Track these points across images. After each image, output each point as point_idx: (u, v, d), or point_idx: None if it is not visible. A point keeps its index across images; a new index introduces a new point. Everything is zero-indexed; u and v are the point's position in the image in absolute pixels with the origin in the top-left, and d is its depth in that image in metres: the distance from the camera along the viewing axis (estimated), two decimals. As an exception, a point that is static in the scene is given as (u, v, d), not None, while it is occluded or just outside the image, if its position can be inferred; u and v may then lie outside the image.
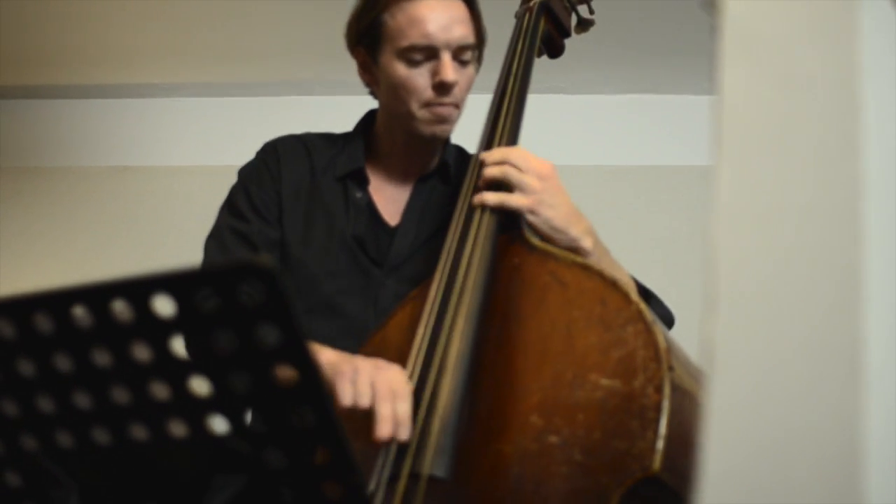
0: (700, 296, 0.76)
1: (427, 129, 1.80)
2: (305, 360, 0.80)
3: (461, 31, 1.76)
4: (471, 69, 1.82)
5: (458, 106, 1.80)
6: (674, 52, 3.92)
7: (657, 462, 1.24)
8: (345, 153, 1.91)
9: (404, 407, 1.37)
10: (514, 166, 1.60)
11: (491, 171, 1.61)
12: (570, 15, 2.02)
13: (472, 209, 1.60)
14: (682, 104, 4.19)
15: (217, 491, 0.85)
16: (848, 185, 0.69)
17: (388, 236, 1.84)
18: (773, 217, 0.72)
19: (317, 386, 0.81)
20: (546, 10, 1.92)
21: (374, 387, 1.38)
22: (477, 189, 1.63)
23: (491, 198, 1.59)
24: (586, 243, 1.61)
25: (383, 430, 1.34)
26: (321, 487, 0.87)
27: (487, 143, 1.71)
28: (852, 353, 0.65)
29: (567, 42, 2.02)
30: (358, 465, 0.85)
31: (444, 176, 1.91)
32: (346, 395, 1.39)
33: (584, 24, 2.05)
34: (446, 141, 1.93)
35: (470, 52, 1.79)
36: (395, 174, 1.91)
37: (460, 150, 1.98)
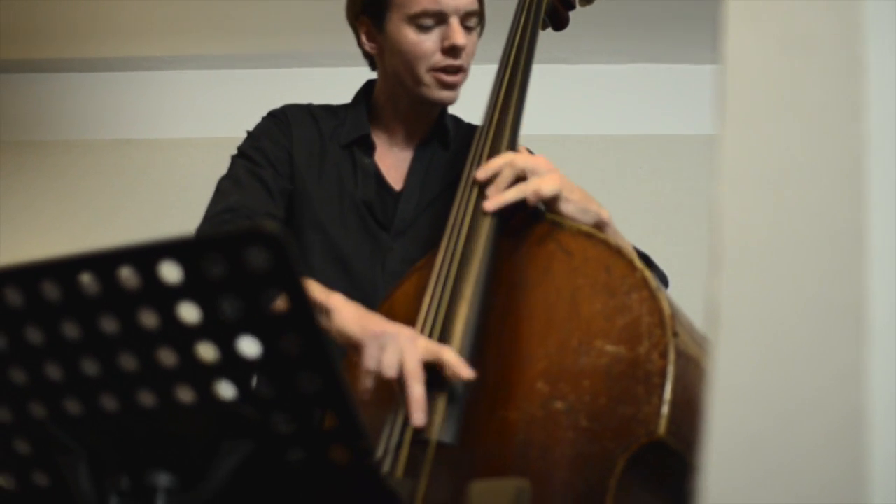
0: (703, 264, 0.76)
1: (434, 94, 1.83)
2: (312, 327, 0.81)
3: None
4: (475, 36, 1.85)
5: (464, 71, 1.83)
6: (676, 22, 3.90)
7: (662, 427, 1.25)
8: (348, 121, 1.95)
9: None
10: (531, 171, 1.57)
11: (511, 191, 1.57)
12: None
13: (476, 185, 1.60)
14: (685, 73, 4.18)
15: (225, 456, 0.86)
16: (851, 148, 0.70)
17: (394, 200, 1.88)
18: (777, 180, 0.73)
19: (323, 351, 0.81)
20: None
21: (404, 362, 1.36)
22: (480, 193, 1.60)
23: (532, 199, 1.55)
24: (605, 215, 1.61)
25: (419, 417, 1.33)
26: (328, 452, 0.88)
27: (491, 115, 1.72)
28: (856, 315, 0.65)
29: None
30: (365, 429, 0.86)
31: (443, 141, 1.95)
32: (372, 359, 1.38)
33: None
34: (443, 108, 1.95)
35: (474, 19, 1.82)
36: (397, 140, 1.94)
37: (456, 119, 2.02)
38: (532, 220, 1.54)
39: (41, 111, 4.41)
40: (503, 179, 1.57)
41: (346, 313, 1.47)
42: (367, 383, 1.38)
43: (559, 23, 2.01)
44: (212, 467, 0.87)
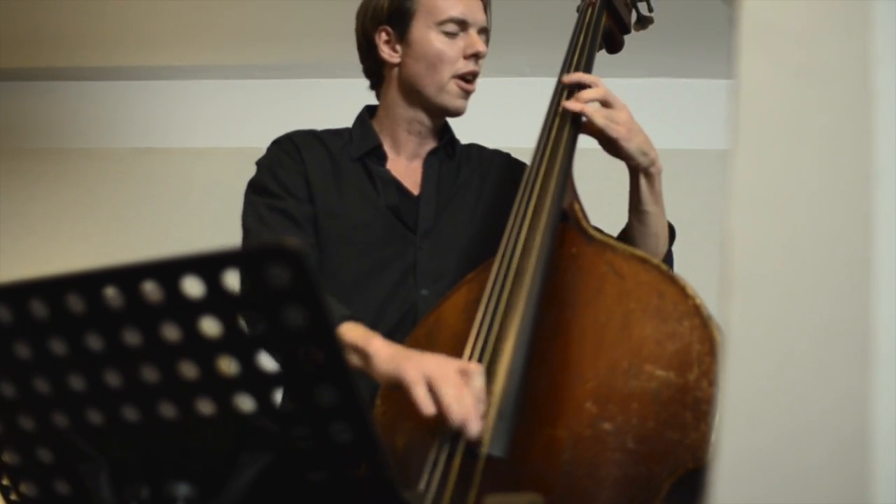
0: (715, 279, 0.77)
1: (452, 103, 1.93)
2: (331, 341, 0.82)
3: (483, 16, 1.95)
4: None
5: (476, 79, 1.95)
6: (691, 36, 3.90)
7: (709, 453, 1.27)
8: (356, 137, 2.00)
9: (467, 392, 1.36)
10: (606, 97, 1.79)
11: (594, 114, 1.76)
12: (630, 11, 2.06)
13: (541, 195, 1.63)
14: (700, 88, 4.18)
15: (244, 468, 0.87)
16: (861, 172, 0.71)
17: (414, 204, 1.93)
18: (787, 203, 0.74)
19: (342, 366, 0.83)
20: (608, 5, 1.98)
21: (442, 372, 1.38)
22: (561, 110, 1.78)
23: (600, 120, 1.75)
24: (659, 165, 1.87)
25: (454, 415, 1.34)
26: (346, 465, 0.89)
27: (549, 130, 1.76)
28: (863, 337, 0.66)
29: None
30: (382, 443, 0.87)
31: (450, 150, 2.03)
32: (416, 379, 1.39)
33: (643, 21, 2.10)
34: (447, 125, 2.04)
35: (485, 35, 1.95)
36: (406, 151, 2.00)
37: (457, 141, 2.09)
38: (583, 241, 1.56)
39: (61, 119, 4.43)
40: (591, 94, 1.78)
41: (383, 355, 1.50)
42: (428, 408, 1.38)
43: (614, 46, 2.07)
44: (231, 479, 0.88)
